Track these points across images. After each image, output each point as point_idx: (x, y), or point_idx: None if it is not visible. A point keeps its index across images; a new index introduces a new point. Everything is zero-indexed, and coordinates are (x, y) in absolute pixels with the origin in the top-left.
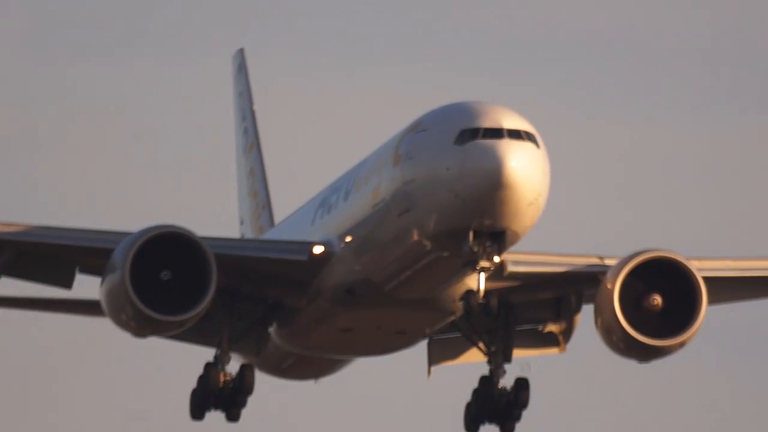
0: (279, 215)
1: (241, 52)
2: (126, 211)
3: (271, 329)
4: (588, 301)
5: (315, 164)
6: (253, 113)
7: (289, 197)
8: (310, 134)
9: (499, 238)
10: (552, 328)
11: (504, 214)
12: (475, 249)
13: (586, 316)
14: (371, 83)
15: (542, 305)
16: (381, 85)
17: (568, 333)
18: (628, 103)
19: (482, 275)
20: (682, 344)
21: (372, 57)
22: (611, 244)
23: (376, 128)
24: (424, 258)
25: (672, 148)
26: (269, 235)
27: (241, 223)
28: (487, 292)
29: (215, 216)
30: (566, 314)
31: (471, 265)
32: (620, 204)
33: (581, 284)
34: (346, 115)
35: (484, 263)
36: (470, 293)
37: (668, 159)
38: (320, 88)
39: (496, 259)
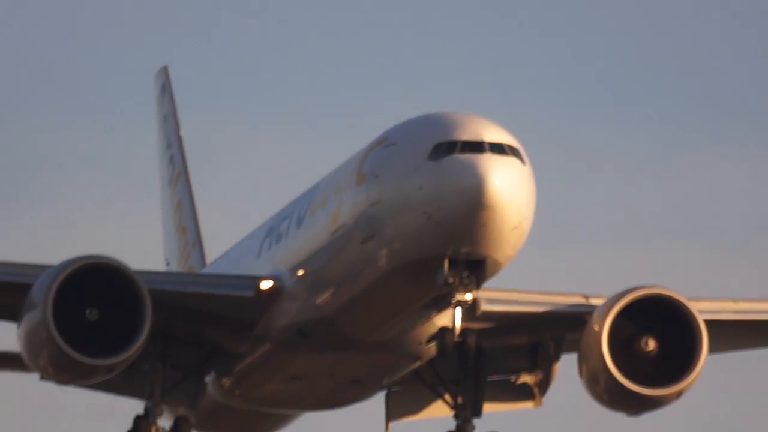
0: (211, 253)
1: (164, 70)
2: (37, 248)
3: (209, 379)
4: (568, 350)
5: (252, 196)
6: (180, 139)
7: (223, 233)
8: (246, 162)
9: (477, 268)
10: (526, 378)
11: (484, 240)
12: (451, 280)
13: (564, 366)
14: (316, 108)
15: (516, 352)
16: (326, 111)
17: (544, 384)
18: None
19: (458, 310)
20: (678, 394)
21: (314, 80)
22: (597, 282)
23: (322, 156)
24: (390, 291)
25: (665, 179)
26: (206, 271)
27: (167, 264)
28: (462, 330)
29: (137, 256)
30: (543, 363)
31: (445, 299)
32: (607, 237)
33: (563, 327)
34: (287, 141)
35: (460, 296)
36: (445, 330)
37: (658, 191)
38: (257, 111)
39: (474, 291)
